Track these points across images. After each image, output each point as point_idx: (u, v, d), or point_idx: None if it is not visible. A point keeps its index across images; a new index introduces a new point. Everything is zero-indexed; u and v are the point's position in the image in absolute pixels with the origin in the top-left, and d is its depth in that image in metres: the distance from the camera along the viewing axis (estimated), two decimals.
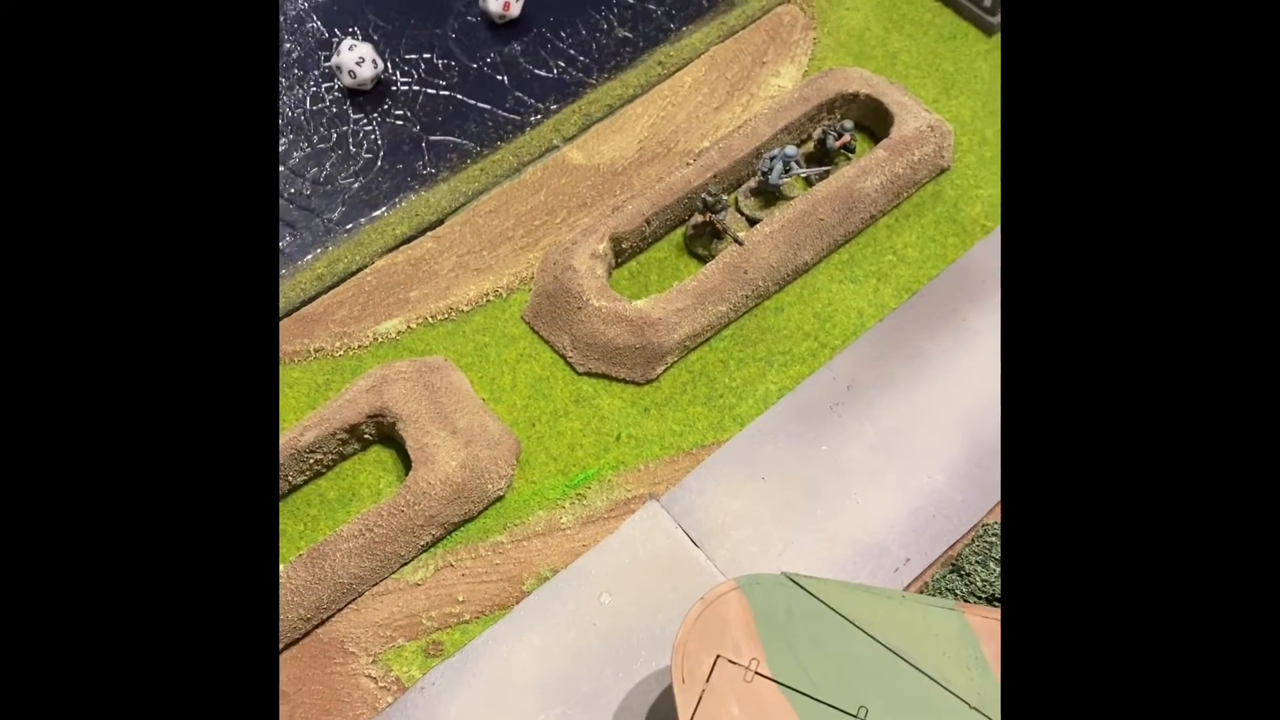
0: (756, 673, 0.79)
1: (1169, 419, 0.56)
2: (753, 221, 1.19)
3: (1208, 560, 0.55)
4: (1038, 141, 0.60)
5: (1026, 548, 0.57)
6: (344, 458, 1.06)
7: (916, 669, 0.79)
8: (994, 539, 0.93)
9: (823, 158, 1.22)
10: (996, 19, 1.33)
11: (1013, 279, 0.60)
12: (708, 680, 0.79)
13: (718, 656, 0.80)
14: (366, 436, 1.06)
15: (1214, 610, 0.54)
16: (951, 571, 0.94)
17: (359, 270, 1.19)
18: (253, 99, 0.60)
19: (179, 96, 0.59)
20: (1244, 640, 0.53)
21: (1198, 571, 0.55)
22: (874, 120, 1.25)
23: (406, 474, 1.03)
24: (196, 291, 0.57)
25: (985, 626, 0.80)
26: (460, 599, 0.99)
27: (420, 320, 1.15)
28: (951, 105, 1.28)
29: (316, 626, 0.97)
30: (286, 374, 1.12)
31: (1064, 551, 0.56)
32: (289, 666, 0.96)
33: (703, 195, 1.14)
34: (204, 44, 0.60)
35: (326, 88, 1.36)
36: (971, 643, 0.80)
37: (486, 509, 1.03)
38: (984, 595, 0.91)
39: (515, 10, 1.40)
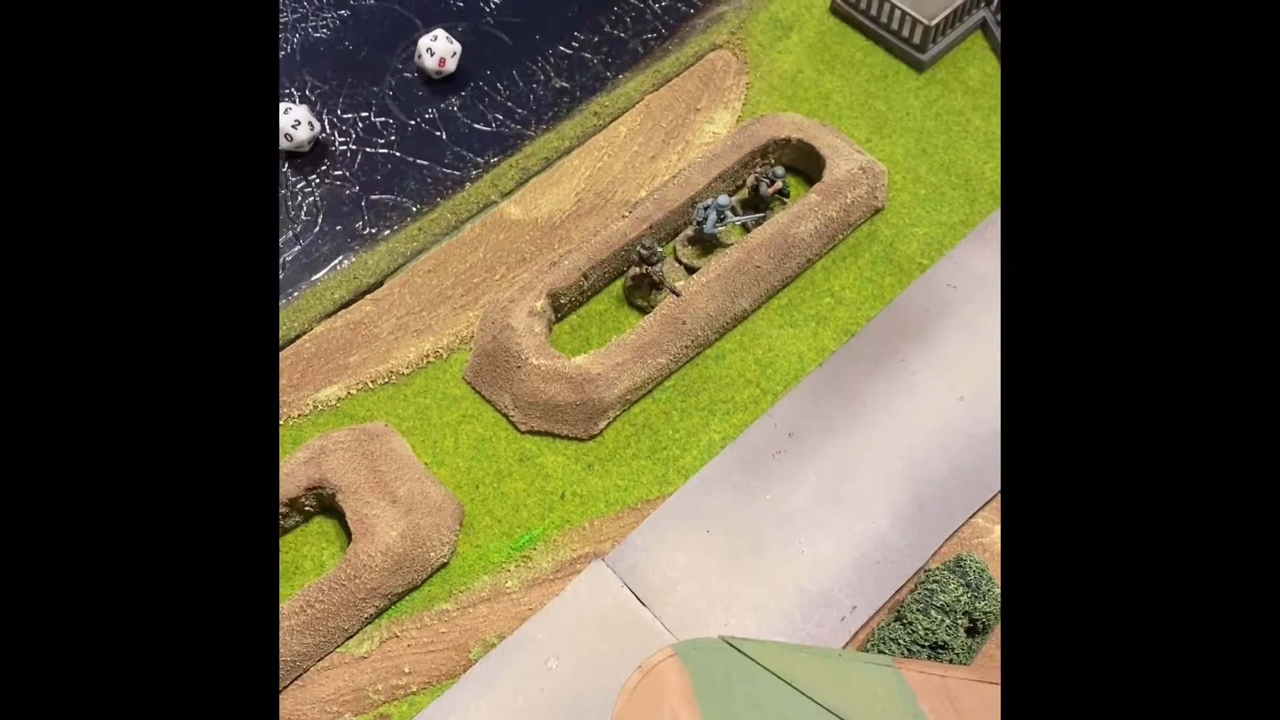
0: None
1: (1176, 423, 0.56)
2: (692, 270, 1.19)
3: (1220, 579, 0.54)
4: (1039, 141, 0.60)
5: (1028, 561, 0.56)
6: (285, 531, 1.05)
7: None
8: (934, 585, 0.93)
9: (758, 204, 1.23)
10: (926, 56, 1.35)
11: (1013, 280, 0.59)
12: None
13: None
14: (307, 509, 1.05)
15: (1221, 632, 0.54)
16: (895, 620, 0.94)
17: (298, 337, 1.19)
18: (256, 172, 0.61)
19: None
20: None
21: (1209, 595, 0.54)
22: (807, 164, 1.26)
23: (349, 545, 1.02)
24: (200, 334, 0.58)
25: (921, 681, 0.80)
26: (407, 670, 0.98)
27: (360, 385, 1.14)
28: (884, 145, 1.29)
29: None
30: None
31: (1068, 562, 0.56)
32: None
33: (637, 248, 1.14)
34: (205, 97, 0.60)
35: None
36: (908, 698, 0.80)
37: (430, 577, 1.02)
38: (926, 644, 0.91)
39: (451, 65, 1.40)
